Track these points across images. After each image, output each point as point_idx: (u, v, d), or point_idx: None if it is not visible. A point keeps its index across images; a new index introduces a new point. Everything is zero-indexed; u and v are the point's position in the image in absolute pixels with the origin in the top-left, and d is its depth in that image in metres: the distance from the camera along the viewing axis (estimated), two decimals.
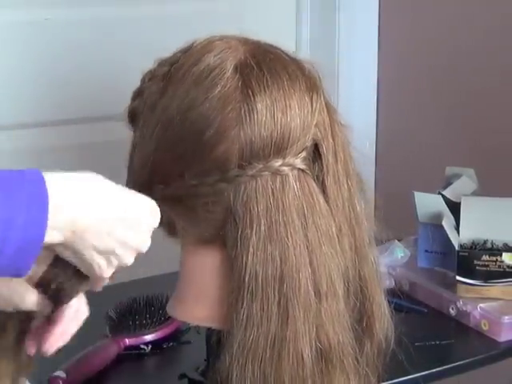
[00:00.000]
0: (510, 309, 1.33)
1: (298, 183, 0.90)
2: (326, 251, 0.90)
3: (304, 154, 0.91)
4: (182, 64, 0.92)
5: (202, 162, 0.89)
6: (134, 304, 1.34)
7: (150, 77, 0.95)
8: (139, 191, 0.91)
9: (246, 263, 0.88)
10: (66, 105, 1.64)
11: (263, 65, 0.91)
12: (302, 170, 0.91)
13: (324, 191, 0.92)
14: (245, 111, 0.88)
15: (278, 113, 0.89)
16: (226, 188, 0.89)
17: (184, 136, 0.89)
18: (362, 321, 0.96)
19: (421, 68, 1.91)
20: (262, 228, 0.88)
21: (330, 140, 0.93)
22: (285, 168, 0.89)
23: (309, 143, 0.91)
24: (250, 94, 0.88)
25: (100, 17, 1.66)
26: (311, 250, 0.89)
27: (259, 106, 0.88)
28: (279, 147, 0.89)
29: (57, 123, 1.66)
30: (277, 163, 0.89)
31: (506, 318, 1.30)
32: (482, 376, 1.40)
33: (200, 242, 0.94)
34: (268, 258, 0.88)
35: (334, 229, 0.91)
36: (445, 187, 1.47)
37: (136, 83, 0.97)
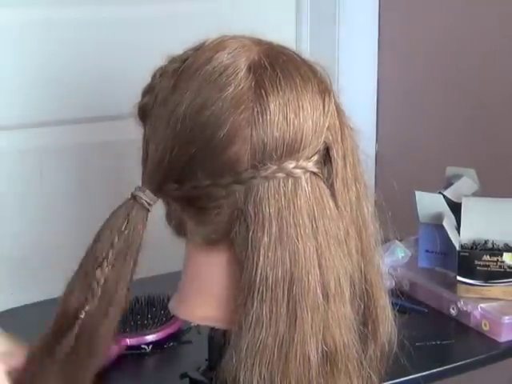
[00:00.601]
0: (511, 309, 1.33)
1: (309, 186, 0.89)
2: (334, 254, 0.90)
3: (316, 157, 0.90)
4: (193, 61, 0.91)
5: (213, 161, 0.88)
6: (135, 304, 1.34)
7: (160, 73, 0.94)
8: (153, 189, 0.91)
9: (256, 265, 0.88)
10: (68, 104, 1.64)
11: (276, 65, 0.90)
12: (314, 173, 0.90)
13: (333, 194, 0.92)
14: (257, 111, 0.87)
15: (290, 114, 0.88)
16: (239, 189, 0.88)
17: (196, 135, 0.89)
18: (366, 324, 0.95)
19: (421, 68, 1.91)
20: (274, 230, 0.88)
21: (340, 143, 0.92)
22: (298, 170, 0.89)
23: (321, 146, 0.91)
24: (263, 94, 0.88)
25: (102, 16, 1.66)
26: (320, 252, 0.89)
27: (272, 106, 0.88)
28: (292, 149, 0.89)
29: (58, 123, 1.66)
30: (290, 165, 0.88)
31: (507, 318, 1.31)
32: (482, 376, 1.40)
33: (207, 242, 0.94)
34: (278, 260, 0.88)
35: (342, 232, 0.91)
36: (445, 187, 1.47)
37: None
